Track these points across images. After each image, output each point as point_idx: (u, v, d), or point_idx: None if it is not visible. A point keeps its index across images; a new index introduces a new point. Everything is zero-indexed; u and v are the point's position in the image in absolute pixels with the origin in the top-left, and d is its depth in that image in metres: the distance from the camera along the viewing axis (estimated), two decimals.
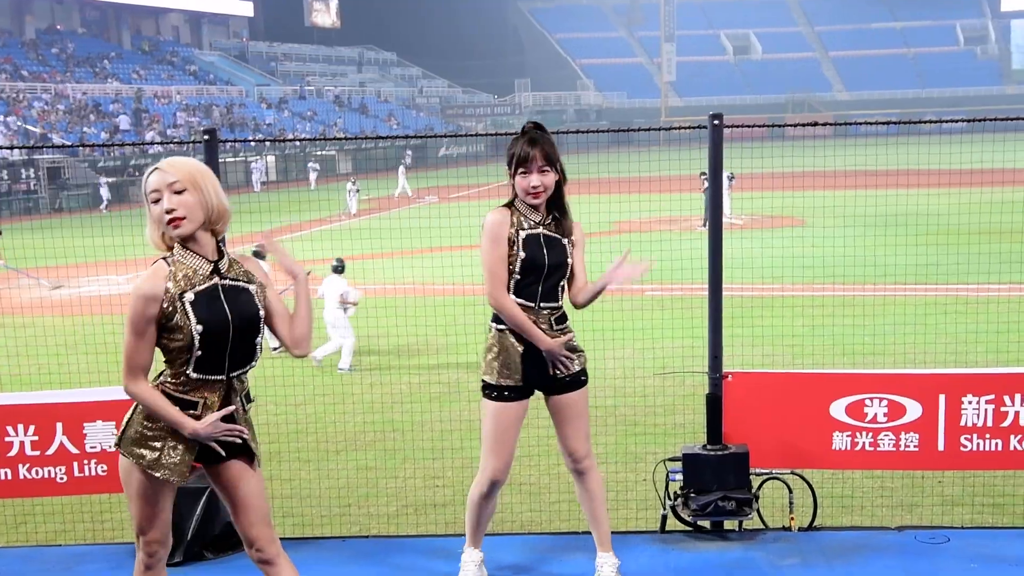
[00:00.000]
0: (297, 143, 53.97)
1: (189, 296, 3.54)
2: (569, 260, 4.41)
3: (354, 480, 7.87)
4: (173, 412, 3.60)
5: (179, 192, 3.52)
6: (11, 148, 6.35)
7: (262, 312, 3.69)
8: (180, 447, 3.65)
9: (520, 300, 4.37)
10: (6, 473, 5.39)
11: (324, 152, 53.95)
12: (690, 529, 5.44)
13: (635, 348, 11.75)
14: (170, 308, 3.53)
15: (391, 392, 10.55)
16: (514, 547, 5.34)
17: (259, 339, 3.71)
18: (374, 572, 5.14)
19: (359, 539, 5.82)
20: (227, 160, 45.40)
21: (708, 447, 5.39)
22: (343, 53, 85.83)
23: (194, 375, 3.60)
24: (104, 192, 39.98)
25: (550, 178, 4.31)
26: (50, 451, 5.38)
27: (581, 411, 4.59)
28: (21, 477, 5.39)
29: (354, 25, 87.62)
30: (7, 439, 5.36)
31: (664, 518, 5.50)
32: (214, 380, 3.63)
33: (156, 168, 3.59)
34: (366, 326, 12.72)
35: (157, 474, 3.64)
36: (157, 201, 3.53)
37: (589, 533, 5.64)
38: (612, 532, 5.73)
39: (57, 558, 5.48)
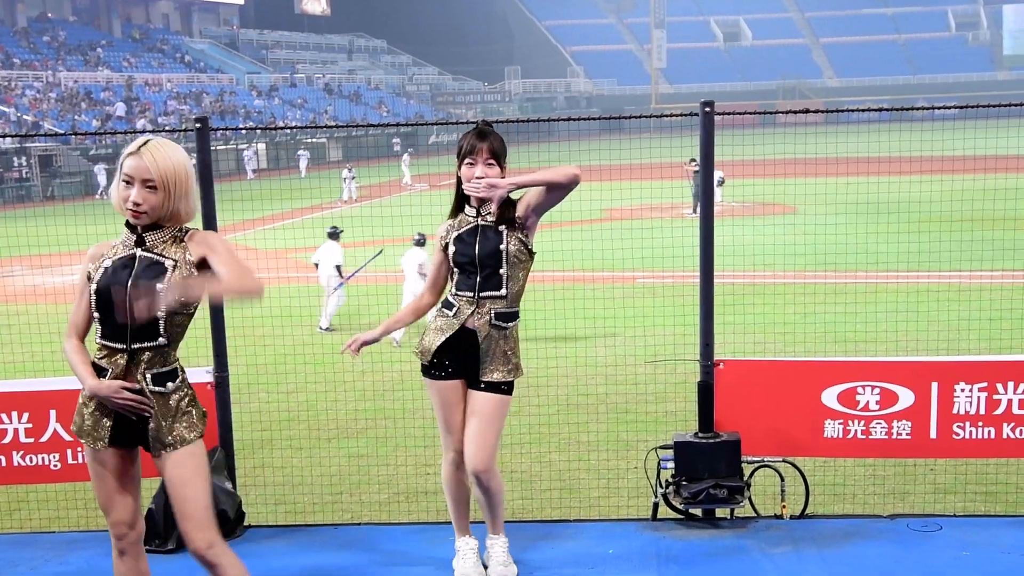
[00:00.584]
0: (288, 131, 53.82)
1: (107, 262, 3.64)
2: (503, 247, 4.44)
3: (345, 468, 7.86)
4: (80, 368, 3.69)
5: (150, 188, 3.58)
6: (3, 136, 6.30)
7: (160, 287, 3.54)
8: (96, 412, 3.70)
9: (461, 294, 4.51)
10: (0, 460, 5.40)
11: (314, 139, 53.85)
12: (681, 517, 5.44)
13: (626, 336, 11.74)
14: (90, 271, 3.66)
15: (382, 380, 10.53)
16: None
17: (160, 315, 3.59)
18: (366, 559, 5.13)
19: (351, 527, 5.81)
20: (218, 148, 45.27)
21: (700, 435, 5.38)
22: (333, 40, 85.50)
23: (99, 340, 3.68)
24: (102, 179, 39.90)
25: (494, 171, 4.43)
26: (44, 438, 5.39)
27: (484, 414, 4.49)
28: (15, 464, 5.41)
29: (344, 12, 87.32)
30: (1, 426, 5.37)
31: (655, 506, 5.50)
32: (116, 348, 3.65)
33: (138, 151, 3.57)
34: (358, 314, 12.69)
35: (83, 440, 3.73)
36: (127, 184, 3.59)
37: (581, 521, 5.67)
38: (604, 519, 5.74)
39: (51, 544, 5.49)
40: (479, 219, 4.50)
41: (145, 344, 3.63)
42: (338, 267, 13.64)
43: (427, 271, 12.47)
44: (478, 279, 4.46)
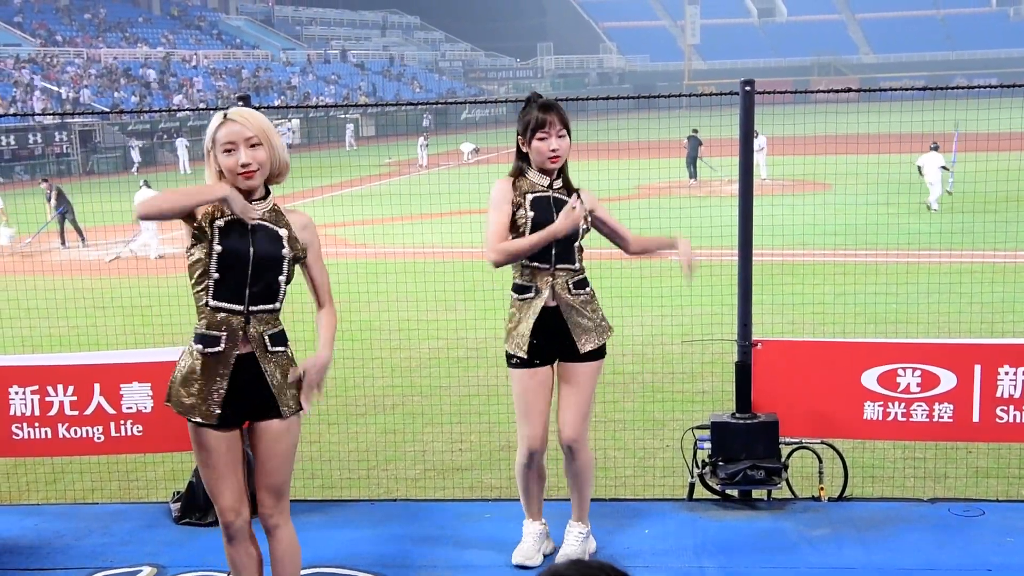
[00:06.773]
0: (322, 108, 53.99)
1: (219, 222, 3.62)
2: (580, 223, 4.34)
3: (379, 443, 7.87)
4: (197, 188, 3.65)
5: (254, 146, 3.60)
6: (44, 114, 6.40)
7: (286, 252, 3.69)
8: (203, 384, 3.68)
9: (535, 263, 4.36)
10: (46, 432, 5.47)
11: (348, 116, 54.15)
12: (718, 498, 5.39)
13: (660, 315, 11.65)
14: (200, 226, 3.62)
15: (415, 355, 10.53)
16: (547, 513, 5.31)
17: (280, 278, 3.70)
18: (403, 534, 5.14)
19: (388, 502, 5.83)
20: None
21: (737, 415, 5.32)
22: (367, 17, 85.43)
23: (212, 302, 3.64)
24: (135, 155, 40.39)
25: (566, 142, 4.35)
26: (88, 411, 5.46)
27: (581, 384, 4.47)
28: (60, 436, 5.48)
29: None
30: (47, 399, 5.45)
31: (692, 486, 5.45)
32: (233, 311, 3.64)
33: (228, 120, 3.60)
34: (396, 290, 12.68)
35: (191, 417, 3.69)
36: (229, 152, 3.59)
37: (616, 500, 5.63)
38: (639, 499, 5.70)
39: (93, 515, 5.57)
40: (551, 191, 4.39)
41: (262, 307, 3.69)
42: (943, 167, 20.41)
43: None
44: (554, 251, 4.35)
